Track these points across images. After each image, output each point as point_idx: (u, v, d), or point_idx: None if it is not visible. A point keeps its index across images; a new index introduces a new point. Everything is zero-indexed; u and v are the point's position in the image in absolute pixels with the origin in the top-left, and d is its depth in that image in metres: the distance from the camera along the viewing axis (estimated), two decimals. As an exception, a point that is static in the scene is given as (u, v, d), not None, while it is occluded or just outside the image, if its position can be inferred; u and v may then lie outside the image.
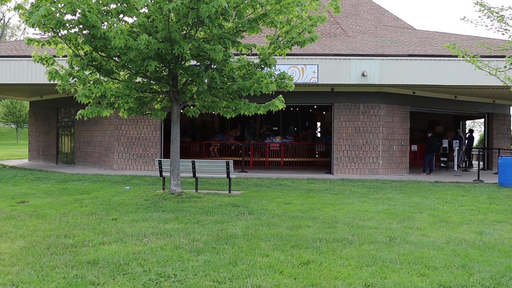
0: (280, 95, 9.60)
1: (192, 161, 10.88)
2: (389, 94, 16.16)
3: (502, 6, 10.50)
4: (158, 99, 10.56)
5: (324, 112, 23.28)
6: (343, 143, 15.94)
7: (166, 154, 17.59)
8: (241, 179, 13.88)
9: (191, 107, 10.07)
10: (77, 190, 10.78)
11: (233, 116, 10.39)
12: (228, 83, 9.49)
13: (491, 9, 10.68)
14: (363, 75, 14.40)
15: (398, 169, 16.34)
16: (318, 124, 24.80)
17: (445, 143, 19.25)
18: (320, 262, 5.03)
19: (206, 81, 9.49)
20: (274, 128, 21.86)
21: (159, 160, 11.04)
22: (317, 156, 19.86)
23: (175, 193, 9.62)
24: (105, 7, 8.48)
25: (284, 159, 18.69)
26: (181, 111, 10.45)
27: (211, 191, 10.97)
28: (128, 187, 11.55)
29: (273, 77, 9.45)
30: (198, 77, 9.03)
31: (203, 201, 9.22)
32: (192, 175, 11.01)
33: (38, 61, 8.94)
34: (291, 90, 9.79)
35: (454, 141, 18.70)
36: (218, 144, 19.18)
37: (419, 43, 16.82)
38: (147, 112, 10.29)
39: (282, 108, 9.64)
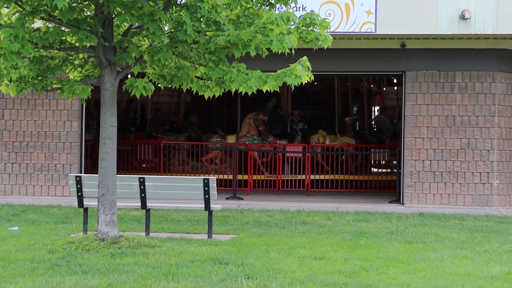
0: (305, 57, 9.61)
1: (139, 178, 10.88)
2: None
3: None
4: (76, 62, 10.56)
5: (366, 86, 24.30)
6: (423, 146, 15.92)
7: (93, 165, 17.62)
8: (231, 213, 13.89)
9: (138, 78, 10.05)
10: None
11: (216, 95, 10.38)
12: (207, 33, 9.49)
13: None
14: (462, 17, 14.39)
15: (527, 196, 16.32)
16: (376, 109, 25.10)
17: None
18: None
19: (166, 28, 9.48)
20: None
21: (77, 177, 11.05)
22: (374, 170, 19.81)
23: (108, 239, 9.63)
24: None
25: (312, 177, 18.70)
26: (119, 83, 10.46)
27: (176, 235, 10.95)
28: (16, 228, 11.55)
29: (291, 23, 9.45)
30: (151, 20, 9.05)
31: (160, 253, 9.21)
32: (140, 204, 11.03)
33: None
34: (325, 48, 9.76)
35: None
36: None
37: None
38: (54, 87, 10.28)
39: (307, 81, 9.60)
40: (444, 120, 15.91)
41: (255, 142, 19.63)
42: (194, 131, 21.74)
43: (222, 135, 20.44)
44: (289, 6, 9.78)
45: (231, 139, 20.00)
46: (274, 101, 22.14)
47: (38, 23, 10.02)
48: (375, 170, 21.17)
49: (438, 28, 14.54)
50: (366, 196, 17.76)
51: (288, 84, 9.45)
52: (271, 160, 19.32)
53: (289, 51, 9.34)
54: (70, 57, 10.44)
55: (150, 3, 9.18)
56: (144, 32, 9.56)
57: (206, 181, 10.76)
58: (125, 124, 21.84)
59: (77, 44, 9.68)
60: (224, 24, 9.29)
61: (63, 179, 16.19)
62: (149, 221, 11.08)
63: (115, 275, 7.96)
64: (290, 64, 9.56)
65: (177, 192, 11.13)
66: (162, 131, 21.73)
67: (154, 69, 10.45)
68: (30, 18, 9.28)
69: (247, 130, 19.95)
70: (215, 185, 10.85)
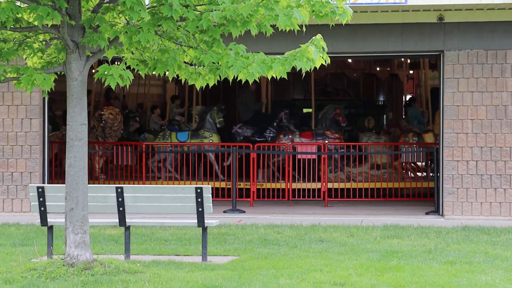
0: (318, 36, 9.64)
1: (116, 188, 10.91)
2: None
3: None
4: (35, 46, 10.57)
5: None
6: (466, 143, 15.89)
7: (60, 174, 17.60)
8: (231, 229, 13.93)
9: (113, 64, 10.05)
10: None
11: (210, 84, 10.39)
12: (198, 8, 9.51)
13: None
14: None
15: None
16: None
17: None
18: None
19: (147, 2, 9.48)
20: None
21: (38, 188, 11.07)
22: (407, 174, 19.83)
23: (79, 264, 9.65)
24: None
25: (330, 184, 18.77)
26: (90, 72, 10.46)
27: (162, 258, 10.98)
28: (-33, 251, 11.57)
29: (302, -7, 9.49)
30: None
31: (143, 281, 9.23)
32: (117, 220, 11.06)
33: None
34: (343, 23, 9.75)
35: None
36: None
37: None
38: (8, 77, 10.28)
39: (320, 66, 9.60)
40: (493, 110, 15.90)
41: None
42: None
43: (419, 134, 20.32)
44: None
45: (429, 138, 19.88)
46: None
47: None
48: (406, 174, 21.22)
49: (485, -4, 14.60)
50: (396, 207, 17.78)
51: (298, 69, 9.46)
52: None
53: (299, 28, 9.34)
54: (28, 40, 10.44)
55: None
56: (119, 7, 9.56)
57: (199, 190, 10.77)
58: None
59: (36, 23, 9.66)
60: (218, -4, 9.31)
61: (21, 191, 16.21)
62: (129, 241, 11.10)
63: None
64: (300, 45, 9.57)
65: (164, 205, 11.14)
66: (337, 128, 21.04)
67: (133, 53, 10.44)
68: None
69: None
70: (210, 195, 10.87)
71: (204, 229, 10.95)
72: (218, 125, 20.65)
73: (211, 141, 20.09)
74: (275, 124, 21.17)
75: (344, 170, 19.36)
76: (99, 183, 17.85)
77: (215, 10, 9.20)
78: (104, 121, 20.10)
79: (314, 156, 18.96)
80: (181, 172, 19.76)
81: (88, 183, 10.32)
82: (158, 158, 20.22)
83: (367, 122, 23.48)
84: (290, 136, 20.26)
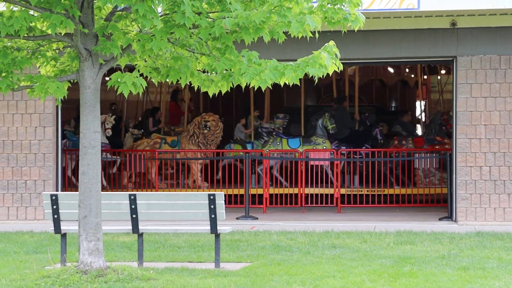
0: (331, 42, 9.66)
1: (129, 195, 10.95)
2: None
3: None
4: (49, 54, 10.62)
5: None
6: (480, 149, 15.87)
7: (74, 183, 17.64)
8: (244, 236, 13.96)
9: (126, 72, 10.08)
10: None
11: (223, 91, 10.43)
12: (210, 15, 9.55)
13: None
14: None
15: None
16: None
17: None
18: None
19: (160, 9, 9.53)
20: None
21: (52, 196, 11.11)
22: (419, 180, 19.88)
23: (92, 271, 9.68)
24: None
25: (343, 191, 18.79)
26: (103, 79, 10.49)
27: (176, 265, 11.00)
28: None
29: (314, 0, 9.50)
30: (140, 0, 9.08)
31: (156, 288, 9.30)
32: (130, 227, 11.10)
33: None
34: (356, 30, 9.78)
35: None
36: None
37: None
38: (22, 85, 10.34)
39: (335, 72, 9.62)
40: (506, 116, 15.87)
41: None
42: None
43: None
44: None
45: None
46: None
47: (0, 7, 10.08)
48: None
49: (498, 0, 14.54)
50: (410, 213, 17.75)
51: (310, 75, 9.48)
52: None
53: (311, 35, 9.36)
54: (42, 48, 10.48)
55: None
56: (132, 15, 9.59)
57: (212, 197, 10.80)
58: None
59: (49, 32, 9.71)
60: (230, 3, 9.30)
61: (35, 199, 16.26)
62: (143, 248, 11.13)
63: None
64: (313, 51, 9.58)
65: (177, 212, 11.16)
66: (443, 133, 21.15)
67: (146, 61, 10.48)
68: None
69: None
70: (223, 202, 10.90)
71: (217, 235, 10.98)
72: (331, 131, 20.68)
73: (324, 147, 20.06)
74: (370, 140, 21.36)
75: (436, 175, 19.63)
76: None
77: (228, 17, 9.22)
78: (208, 128, 20.09)
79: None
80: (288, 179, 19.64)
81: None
82: (268, 165, 19.88)
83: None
84: (403, 142, 20.61)
